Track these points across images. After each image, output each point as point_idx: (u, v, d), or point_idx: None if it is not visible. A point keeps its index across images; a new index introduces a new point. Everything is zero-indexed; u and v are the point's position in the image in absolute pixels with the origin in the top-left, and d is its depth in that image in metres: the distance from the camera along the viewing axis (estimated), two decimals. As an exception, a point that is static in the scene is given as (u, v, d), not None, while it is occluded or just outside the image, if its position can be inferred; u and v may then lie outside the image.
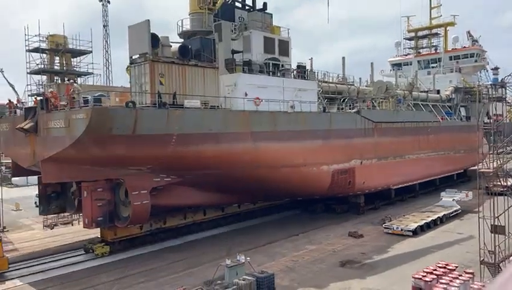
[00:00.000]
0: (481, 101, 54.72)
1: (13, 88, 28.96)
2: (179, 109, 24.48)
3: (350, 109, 40.04)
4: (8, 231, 36.81)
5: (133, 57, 25.53)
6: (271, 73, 34.08)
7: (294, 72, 35.51)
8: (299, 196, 37.49)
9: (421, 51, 78.44)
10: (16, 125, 26.16)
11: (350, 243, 30.10)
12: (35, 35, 32.42)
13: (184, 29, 33.70)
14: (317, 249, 28.70)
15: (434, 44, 77.70)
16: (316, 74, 40.56)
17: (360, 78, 48.63)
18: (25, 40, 32.76)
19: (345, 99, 41.07)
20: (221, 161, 27.19)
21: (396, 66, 77.46)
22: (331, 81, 43.01)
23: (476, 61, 71.96)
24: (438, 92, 64.98)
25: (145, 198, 26.60)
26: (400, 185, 45.14)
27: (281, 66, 35.09)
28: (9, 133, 28.12)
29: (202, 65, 26.94)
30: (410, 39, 78.37)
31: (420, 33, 77.64)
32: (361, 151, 39.08)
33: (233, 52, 31.94)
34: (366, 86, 49.67)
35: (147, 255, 29.44)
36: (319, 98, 37.53)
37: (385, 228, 33.00)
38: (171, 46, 25.87)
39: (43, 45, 33.46)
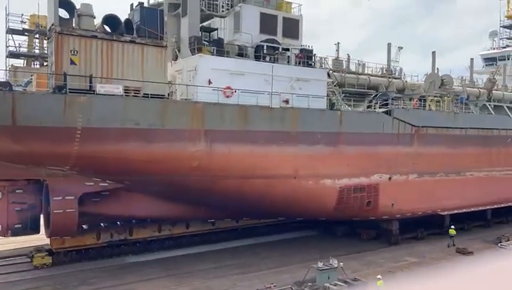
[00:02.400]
0: None
1: None
2: (84, 95, 18.91)
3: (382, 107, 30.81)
4: None
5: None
6: (266, 58, 26.86)
7: (292, 57, 27.67)
8: (293, 216, 29.66)
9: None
10: None
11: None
12: (8, 14, 29.51)
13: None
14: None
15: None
16: (337, 61, 32.23)
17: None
18: (6, 21, 30.18)
19: (376, 95, 31.89)
20: (156, 166, 21.09)
21: (490, 60, 63.35)
22: (363, 72, 34.01)
23: None
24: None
25: (69, 206, 21.69)
26: (456, 211, 34.36)
27: (281, 50, 27.63)
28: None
29: (141, 42, 21.06)
30: (509, 27, 63.33)
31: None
32: (391, 164, 29.78)
33: (206, 30, 25.56)
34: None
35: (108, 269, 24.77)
36: (333, 92, 29.20)
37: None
38: (94, 17, 20.43)
39: (21, 26, 30.61)
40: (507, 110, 43.21)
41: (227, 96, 23.76)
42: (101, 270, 24.61)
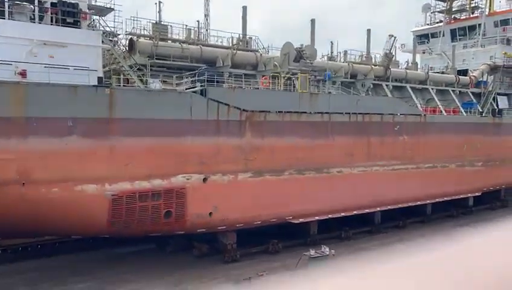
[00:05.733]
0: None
1: None
2: None
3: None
4: None
5: None
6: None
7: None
8: (45, 234, 22.10)
9: (457, 16, 56.03)
10: None
11: None
12: None
13: None
14: None
15: (475, 4, 54.81)
16: (160, 25, 24.48)
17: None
18: None
19: (199, 70, 24.10)
20: None
21: (423, 37, 56.65)
22: (196, 42, 26.21)
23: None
24: (465, 72, 44.39)
25: None
26: (318, 217, 27.23)
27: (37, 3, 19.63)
28: None
29: None
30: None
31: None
32: (207, 161, 22.31)
33: None
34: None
35: None
36: (121, 64, 21.43)
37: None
38: None
39: None
40: (411, 91, 36.11)
41: None
42: None
